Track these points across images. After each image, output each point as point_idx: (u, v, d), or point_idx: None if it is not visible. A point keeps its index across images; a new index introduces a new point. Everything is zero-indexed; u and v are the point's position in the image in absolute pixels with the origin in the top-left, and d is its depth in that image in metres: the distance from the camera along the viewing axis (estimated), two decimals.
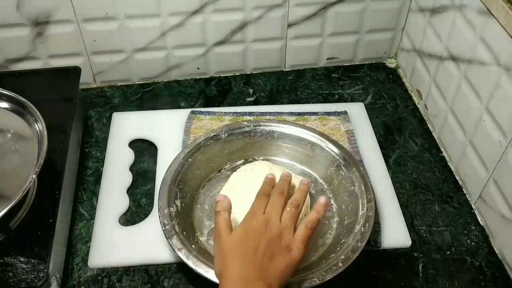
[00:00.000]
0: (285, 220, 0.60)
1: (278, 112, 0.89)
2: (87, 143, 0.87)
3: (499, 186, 0.72)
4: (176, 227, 0.66)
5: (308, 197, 0.72)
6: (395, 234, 0.73)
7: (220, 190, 0.74)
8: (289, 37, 0.98)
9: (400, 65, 1.04)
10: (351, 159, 0.75)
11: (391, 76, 1.03)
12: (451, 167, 0.85)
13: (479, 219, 0.77)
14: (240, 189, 0.71)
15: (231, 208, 0.63)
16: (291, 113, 0.89)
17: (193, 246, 0.66)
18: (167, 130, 0.87)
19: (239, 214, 0.68)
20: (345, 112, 0.89)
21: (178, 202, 0.71)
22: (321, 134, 0.79)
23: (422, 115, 0.94)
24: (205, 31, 0.93)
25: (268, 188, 0.65)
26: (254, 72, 1.02)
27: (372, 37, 1.01)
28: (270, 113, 0.89)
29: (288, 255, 0.57)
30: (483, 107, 0.74)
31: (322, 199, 0.64)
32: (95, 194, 0.79)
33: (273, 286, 0.55)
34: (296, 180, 0.72)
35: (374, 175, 0.80)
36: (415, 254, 0.73)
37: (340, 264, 0.62)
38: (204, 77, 1.01)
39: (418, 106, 0.96)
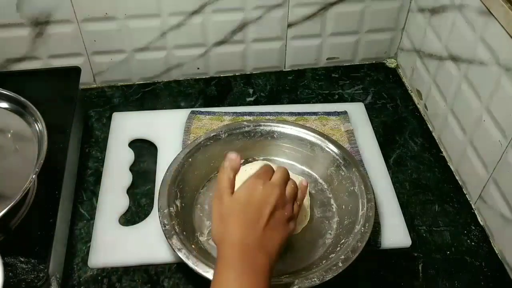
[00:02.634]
0: (288, 195, 0.58)
1: (278, 112, 0.89)
2: (87, 143, 0.87)
3: (499, 186, 0.72)
4: (176, 227, 0.66)
5: (308, 197, 0.72)
6: (395, 234, 0.73)
7: None
8: (289, 37, 0.98)
9: (400, 65, 1.04)
10: (351, 159, 0.75)
11: (391, 76, 1.03)
12: (451, 167, 0.85)
13: (479, 219, 0.77)
14: None
15: (239, 170, 0.60)
16: (291, 113, 0.89)
17: (193, 246, 0.66)
18: (167, 130, 0.87)
19: None
20: (345, 112, 0.89)
21: (178, 202, 0.71)
22: (321, 134, 0.79)
23: (422, 115, 0.94)
24: (205, 31, 0.93)
25: (270, 169, 0.61)
26: (254, 72, 1.02)
27: (372, 37, 1.01)
28: (270, 113, 0.89)
29: (287, 228, 0.56)
30: (483, 107, 0.74)
31: (304, 182, 0.64)
32: (95, 194, 0.79)
33: (272, 257, 0.53)
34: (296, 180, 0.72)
35: (374, 175, 0.80)
36: (415, 254, 0.72)
37: (340, 264, 0.62)
38: (204, 77, 1.01)
39: (418, 106, 0.96)
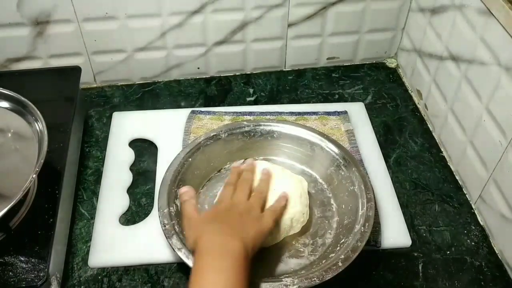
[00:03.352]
0: (252, 201, 0.65)
1: (278, 112, 0.89)
2: (87, 142, 0.87)
3: (499, 186, 0.72)
4: (176, 227, 0.66)
5: (307, 196, 0.72)
6: (395, 234, 0.73)
7: (220, 190, 0.74)
8: (289, 37, 0.98)
9: (400, 65, 1.04)
10: (351, 159, 0.75)
11: (391, 76, 1.03)
12: (451, 167, 0.85)
13: (479, 219, 0.77)
14: None
15: (196, 196, 0.66)
16: (291, 113, 0.89)
17: None
18: (167, 130, 0.87)
19: None
20: (345, 112, 0.89)
21: (178, 202, 0.71)
22: (321, 134, 0.79)
23: (422, 115, 0.94)
24: (205, 31, 0.93)
25: (234, 178, 0.69)
26: (254, 72, 1.02)
27: (372, 37, 1.01)
28: (270, 113, 0.89)
29: (258, 224, 0.62)
30: (483, 107, 0.74)
31: (282, 193, 0.68)
32: (95, 193, 0.79)
33: (247, 245, 0.57)
34: (295, 179, 0.72)
35: (374, 175, 0.80)
36: (415, 254, 0.73)
37: (340, 264, 0.62)
38: (204, 76, 1.01)
39: (418, 106, 0.96)
